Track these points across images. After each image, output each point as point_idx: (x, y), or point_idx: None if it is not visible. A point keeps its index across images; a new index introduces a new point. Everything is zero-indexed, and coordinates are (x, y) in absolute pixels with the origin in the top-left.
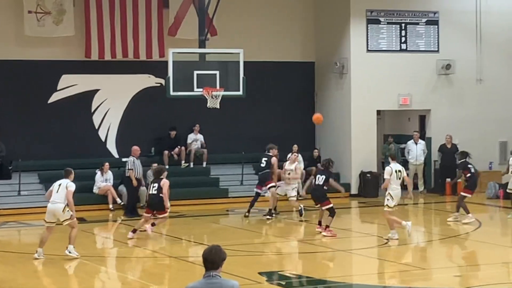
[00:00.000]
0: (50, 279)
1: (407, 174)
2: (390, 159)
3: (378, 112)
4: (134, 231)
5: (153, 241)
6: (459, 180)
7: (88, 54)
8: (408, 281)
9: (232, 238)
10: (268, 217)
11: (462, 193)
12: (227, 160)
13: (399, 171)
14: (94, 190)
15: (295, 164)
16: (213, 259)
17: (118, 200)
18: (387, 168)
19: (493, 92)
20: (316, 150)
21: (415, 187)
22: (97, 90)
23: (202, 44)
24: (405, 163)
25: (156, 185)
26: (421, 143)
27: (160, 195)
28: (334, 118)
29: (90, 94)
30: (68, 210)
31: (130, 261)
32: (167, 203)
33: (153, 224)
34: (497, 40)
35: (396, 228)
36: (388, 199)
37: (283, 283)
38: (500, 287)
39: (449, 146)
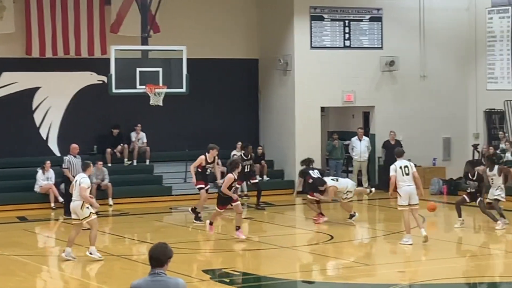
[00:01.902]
0: None
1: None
2: (396, 157)
3: (322, 109)
4: (211, 223)
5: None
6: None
7: (29, 51)
8: (352, 277)
9: (176, 236)
10: (194, 220)
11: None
12: (170, 158)
13: (405, 166)
14: (35, 189)
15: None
16: (158, 257)
17: (60, 199)
18: (392, 166)
19: (437, 88)
20: (260, 147)
21: (359, 183)
22: (38, 87)
23: (144, 41)
24: (349, 160)
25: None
26: (365, 139)
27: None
28: (278, 115)
29: (31, 92)
30: (87, 207)
31: (73, 260)
32: (231, 195)
33: (238, 228)
34: (440, 37)
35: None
36: (398, 198)
37: (227, 280)
38: (443, 282)
39: (393, 142)
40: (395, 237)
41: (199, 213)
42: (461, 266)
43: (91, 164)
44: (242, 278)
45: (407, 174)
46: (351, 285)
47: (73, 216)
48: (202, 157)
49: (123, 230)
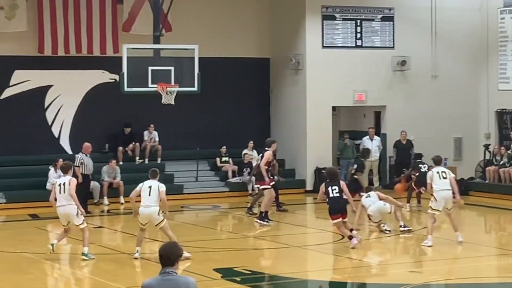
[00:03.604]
0: (2, 276)
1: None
2: (433, 163)
3: (334, 108)
4: (350, 237)
5: (107, 238)
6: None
7: (41, 49)
8: (363, 277)
9: (187, 235)
10: (260, 222)
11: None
12: (182, 156)
13: (443, 171)
14: (47, 187)
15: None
16: (168, 256)
17: None
18: (429, 173)
19: (448, 88)
20: None
21: (370, 183)
22: (50, 86)
23: (156, 40)
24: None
25: (336, 187)
26: (376, 139)
27: (344, 197)
28: (290, 114)
29: (43, 90)
30: (162, 212)
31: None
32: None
33: (351, 230)
34: (452, 36)
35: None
36: (432, 201)
37: (238, 279)
38: (455, 282)
39: (404, 142)
40: (407, 237)
41: (267, 211)
42: (476, 266)
43: (158, 171)
44: (254, 277)
45: (445, 178)
46: (362, 284)
47: (144, 221)
48: (269, 152)
49: (134, 228)
